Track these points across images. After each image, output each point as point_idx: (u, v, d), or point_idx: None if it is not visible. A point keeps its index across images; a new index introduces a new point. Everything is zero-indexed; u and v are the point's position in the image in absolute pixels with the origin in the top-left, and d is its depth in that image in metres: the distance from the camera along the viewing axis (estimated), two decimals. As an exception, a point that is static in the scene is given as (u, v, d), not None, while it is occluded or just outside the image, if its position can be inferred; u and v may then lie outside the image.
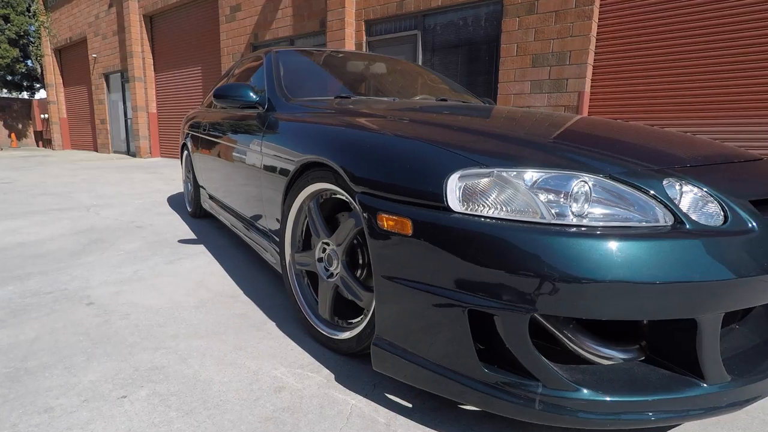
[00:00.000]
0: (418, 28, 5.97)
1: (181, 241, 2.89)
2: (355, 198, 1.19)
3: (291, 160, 1.56)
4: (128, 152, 12.23)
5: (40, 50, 15.23)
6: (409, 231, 1.03)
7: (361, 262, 1.41)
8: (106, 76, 12.42)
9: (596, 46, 4.70)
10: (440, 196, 1.00)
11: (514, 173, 0.98)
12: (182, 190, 5.24)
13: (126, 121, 12.17)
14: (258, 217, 2.06)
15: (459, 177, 1.00)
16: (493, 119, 1.50)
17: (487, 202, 0.97)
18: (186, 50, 10.01)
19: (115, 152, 12.77)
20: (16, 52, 16.70)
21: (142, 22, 10.74)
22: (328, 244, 1.44)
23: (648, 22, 4.43)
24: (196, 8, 9.59)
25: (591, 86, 4.78)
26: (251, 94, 2.04)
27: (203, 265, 2.40)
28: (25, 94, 19.17)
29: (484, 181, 0.99)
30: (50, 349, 1.47)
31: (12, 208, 4.01)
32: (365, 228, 1.14)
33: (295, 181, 1.57)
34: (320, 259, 1.48)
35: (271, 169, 1.76)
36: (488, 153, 1.05)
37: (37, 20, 14.81)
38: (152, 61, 11.00)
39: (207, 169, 2.92)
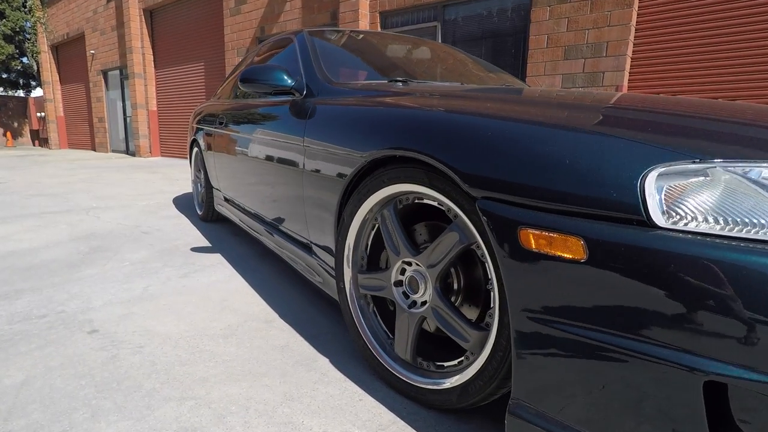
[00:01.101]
0: (438, 20, 5.63)
1: (195, 250, 2.54)
2: (474, 205, 0.85)
3: (352, 156, 1.22)
4: (127, 151, 11.85)
5: (36, 47, 14.82)
6: (582, 254, 0.69)
7: (456, 286, 1.07)
8: (105, 73, 12.04)
9: (635, 37, 4.38)
10: (633, 204, 0.66)
11: (754, 169, 0.64)
12: (188, 191, 4.88)
13: (125, 120, 11.79)
14: (295, 224, 1.71)
15: (659, 176, 0.66)
16: (638, 103, 1.15)
17: (704, 213, 0.63)
18: (188, 45, 9.65)
19: (113, 151, 12.38)
20: (11, 49, 16.28)
21: (142, 17, 10.37)
22: (409, 264, 1.10)
23: (693, 9, 4.11)
24: (198, 1, 9.23)
25: (629, 80, 4.45)
26: (285, 77, 1.71)
27: (224, 280, 2.05)
28: (20, 92, 18.74)
29: (699, 181, 0.66)
30: (43, 401, 1.12)
31: (4, 210, 3.65)
32: (495, 247, 0.80)
33: (359, 182, 1.23)
34: (398, 283, 1.14)
35: (318, 167, 1.41)
36: (692, 143, 0.71)
37: (33, 16, 14.42)
38: (152, 57, 10.64)
39: (223, 169, 2.58)
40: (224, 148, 2.50)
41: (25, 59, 17.43)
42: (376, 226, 1.21)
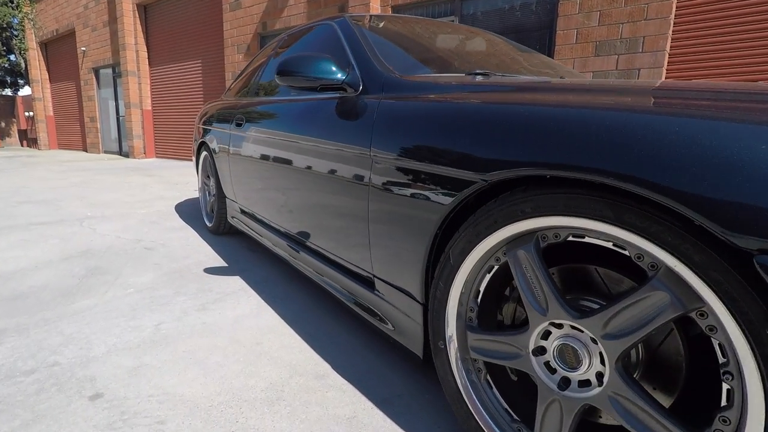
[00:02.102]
0: (455, 14, 5.31)
1: (209, 271, 2.19)
2: (753, 260, 0.52)
3: (460, 175, 0.88)
4: (120, 152, 11.40)
5: (24, 44, 14.28)
6: None
7: (634, 358, 0.75)
8: (96, 71, 11.58)
9: (673, 31, 4.09)
10: None
11: None
12: (190, 197, 4.52)
13: (118, 119, 11.34)
14: (349, 252, 1.38)
15: None
16: None
17: None
18: (184, 42, 9.24)
19: (105, 152, 11.92)
20: (-2, 46, 15.72)
21: (136, 12, 9.94)
22: (558, 326, 0.77)
23: (737, 1, 3.82)
24: (195, -4, 8.84)
25: (666, 77, 4.16)
26: (335, 69, 1.37)
27: (252, 313, 1.71)
28: (8, 91, 18.15)
29: None
30: None
31: (-14, 221, 3.27)
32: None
33: (468, 208, 0.89)
34: (538, 351, 0.80)
35: (396, 186, 1.08)
36: None
37: (20, 11, 13.89)
38: (147, 54, 10.21)
39: (242, 177, 2.23)
40: (244, 154, 2.16)
41: (12, 56, 16.87)
42: (495, 268, 0.88)
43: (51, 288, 1.94)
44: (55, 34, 12.66)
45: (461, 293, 0.92)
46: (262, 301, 1.84)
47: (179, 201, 4.29)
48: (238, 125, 2.23)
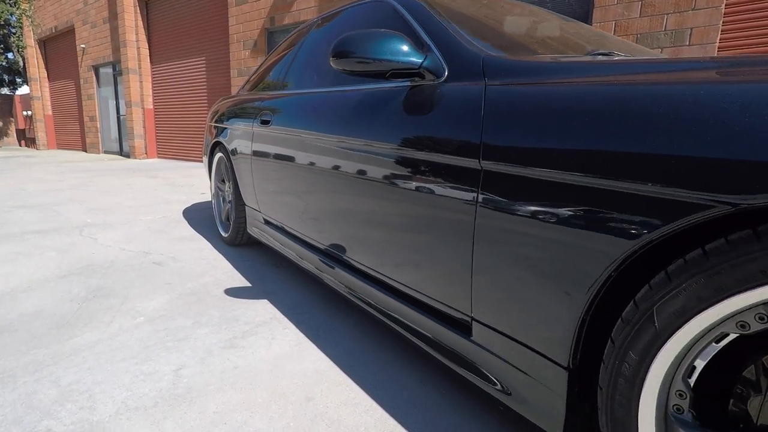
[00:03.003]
0: (479, 6, 4.99)
1: (231, 293, 1.87)
2: None
3: (677, 194, 0.57)
4: (121, 152, 11.07)
5: (22, 41, 13.95)
6: None
7: None
8: (96, 69, 11.25)
9: (724, 22, 3.77)
10: None
11: None
12: (197, 200, 4.20)
13: (118, 119, 11.01)
14: (434, 286, 1.06)
15: None
16: None
17: None
18: (187, 38, 8.92)
19: (105, 152, 11.60)
20: (-5, 44, 15.38)
21: (137, 8, 9.62)
22: None
23: (796, -9, 3.51)
24: (199, -10, 8.52)
25: (714, 73, 3.84)
26: (408, 49, 1.06)
27: (292, 353, 1.39)
28: (5, 90, 17.81)
29: None
30: None
31: (-24, 229, 2.95)
32: None
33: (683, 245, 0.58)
34: None
35: (535, 208, 0.76)
36: None
37: (18, 8, 13.55)
38: (148, 51, 9.88)
39: (268, 183, 1.91)
40: (271, 156, 1.84)
41: (10, 55, 16.54)
42: (729, 337, 0.57)
43: (45, 316, 1.63)
44: (53, 31, 12.33)
45: (666, 371, 0.60)
46: (302, 334, 1.52)
47: (186, 205, 3.97)
48: (264, 123, 1.91)
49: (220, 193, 2.76)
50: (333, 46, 1.13)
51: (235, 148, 2.24)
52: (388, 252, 1.21)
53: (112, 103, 11.17)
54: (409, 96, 1.12)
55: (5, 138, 16.29)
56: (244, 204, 2.31)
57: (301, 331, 1.54)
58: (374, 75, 1.11)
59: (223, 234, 2.64)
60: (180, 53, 9.15)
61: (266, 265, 2.27)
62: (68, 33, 12.00)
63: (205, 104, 8.77)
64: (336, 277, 1.55)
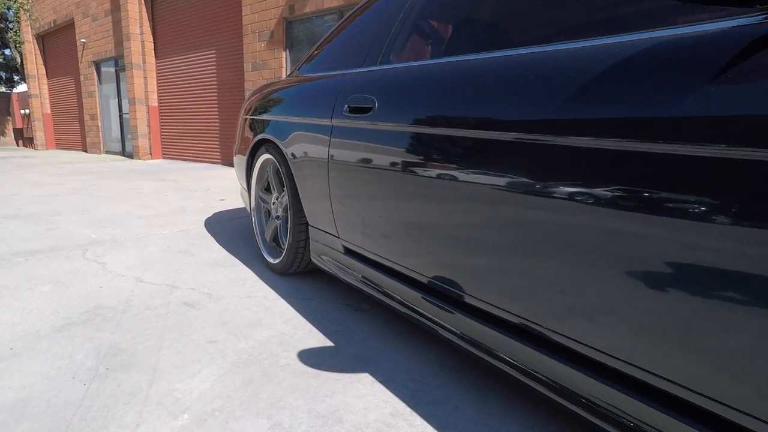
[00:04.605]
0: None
1: (310, 361, 1.27)
2: None
3: None
4: (123, 153, 10.47)
5: (19, 36, 13.34)
6: None
7: None
8: (97, 65, 10.64)
9: None
10: None
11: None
12: (217, 209, 3.59)
13: (121, 117, 10.41)
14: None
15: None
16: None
17: None
18: (196, 30, 8.32)
19: (107, 153, 10.99)
20: (-8, 40, 14.77)
21: (142, -2, 9.02)
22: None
23: None
24: (209, -22, 7.92)
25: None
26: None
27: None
28: (2, 88, 17.20)
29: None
30: None
31: (-48, 250, 2.35)
32: None
33: None
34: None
35: None
36: None
37: (15, 2, 12.94)
38: (153, 45, 9.28)
39: (363, 199, 1.31)
40: (368, 162, 1.24)
41: (7, 51, 15.93)
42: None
43: (32, 414, 1.03)
44: (52, 25, 11.73)
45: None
46: (459, 459, 0.92)
47: (206, 215, 3.37)
48: (355, 111, 1.31)
49: (263, 205, 2.16)
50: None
51: (297, 148, 1.64)
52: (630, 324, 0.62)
53: (114, 101, 10.57)
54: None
55: (2, 137, 15.68)
56: (308, 224, 1.71)
57: (453, 446, 0.95)
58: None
59: (269, 259, 2.03)
60: (187, 46, 8.54)
61: (338, 306, 1.67)
62: (68, 27, 11.39)
63: (215, 101, 8.17)
64: (485, 340, 0.95)
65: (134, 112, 9.26)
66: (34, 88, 12.84)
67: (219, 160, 8.23)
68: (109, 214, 3.34)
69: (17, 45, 14.20)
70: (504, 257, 0.89)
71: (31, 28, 12.51)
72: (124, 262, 2.18)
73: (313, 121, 1.53)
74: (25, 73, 13.00)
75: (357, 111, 1.31)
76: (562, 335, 0.81)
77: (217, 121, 8.19)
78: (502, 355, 0.95)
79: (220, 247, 2.47)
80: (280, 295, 1.77)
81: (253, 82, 7.01)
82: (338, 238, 1.50)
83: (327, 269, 1.65)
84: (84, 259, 2.22)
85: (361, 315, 1.59)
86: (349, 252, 1.48)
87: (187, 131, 8.91)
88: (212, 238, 2.68)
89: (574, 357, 0.81)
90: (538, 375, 0.87)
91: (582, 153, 0.72)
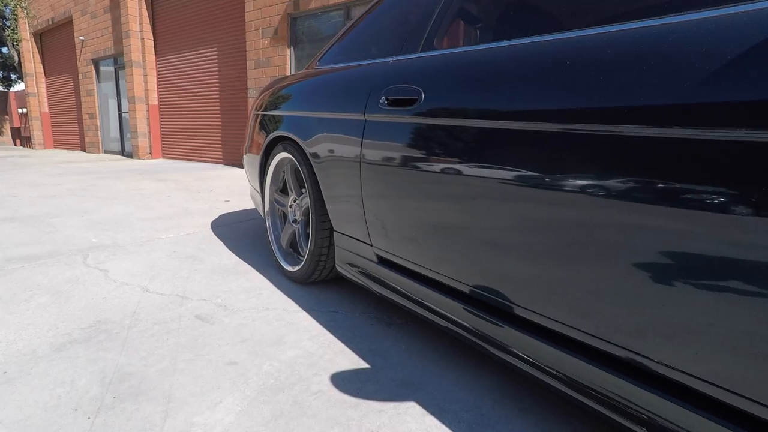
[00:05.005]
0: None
1: (345, 387, 1.12)
2: None
3: None
4: (123, 152, 10.29)
5: (16, 34, 13.15)
6: None
7: None
8: (96, 63, 10.46)
9: None
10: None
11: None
12: (223, 210, 3.44)
13: (120, 116, 10.23)
14: None
15: None
16: None
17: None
18: (197, 27, 8.15)
19: (106, 152, 10.81)
20: (-12, 38, 14.57)
21: (142, -5, 8.84)
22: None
23: None
24: (211, -26, 7.75)
25: None
26: None
27: None
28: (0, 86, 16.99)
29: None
30: None
31: (-58, 256, 2.19)
32: None
33: None
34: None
35: None
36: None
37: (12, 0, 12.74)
38: (153, 42, 9.11)
39: (402, 202, 1.16)
40: (410, 161, 1.09)
41: (4, 49, 15.73)
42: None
43: (28, 456, 0.87)
44: (50, 23, 11.54)
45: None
46: None
47: (212, 217, 3.21)
48: (396, 103, 1.15)
49: (278, 208, 2.01)
50: None
51: (322, 147, 1.48)
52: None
53: (113, 100, 10.39)
54: None
55: (0, 137, 15.47)
56: (333, 229, 1.55)
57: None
58: None
59: (286, 267, 1.87)
60: (189, 43, 8.37)
61: (368, 319, 1.51)
62: (66, 24, 11.21)
63: (217, 99, 8.01)
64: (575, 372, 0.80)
65: (134, 110, 9.09)
66: (32, 86, 12.64)
67: (221, 160, 8.06)
68: (110, 217, 3.17)
69: (15, 43, 14.00)
70: (595, 268, 0.73)
71: (29, 26, 12.31)
72: (128, 269, 2.02)
73: (342, 115, 1.38)
74: (23, 71, 12.80)
75: (397, 104, 1.15)
76: (661, 364, 0.66)
77: (219, 119, 8.02)
78: (580, 383, 0.80)
79: (230, 252, 2.32)
80: (301, 307, 1.61)
81: (256, 79, 6.85)
82: (371, 246, 1.35)
83: (355, 279, 1.49)
84: (85, 265, 2.06)
85: (395, 330, 1.44)
86: (383, 261, 1.33)
87: (188, 130, 8.74)
88: (220, 242, 2.52)
89: (688, 395, 0.66)
90: (636, 412, 0.72)
91: (699, 148, 0.57)
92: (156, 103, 9.33)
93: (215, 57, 7.92)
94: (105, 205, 3.66)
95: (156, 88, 9.30)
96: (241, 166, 7.52)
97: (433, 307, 1.15)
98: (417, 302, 1.21)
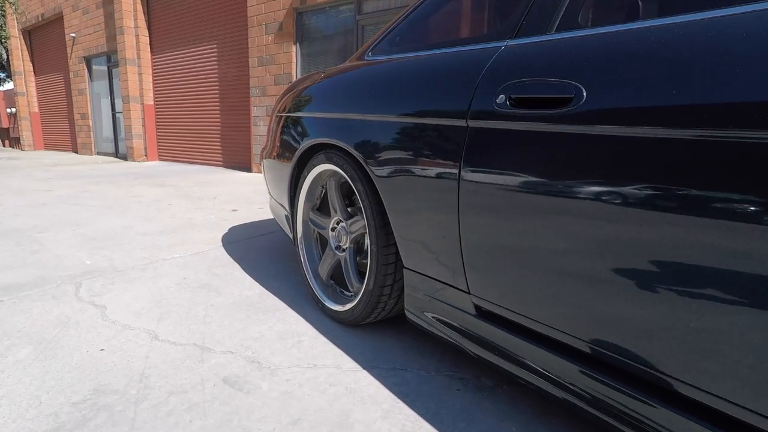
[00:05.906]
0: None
1: None
2: None
3: None
4: (116, 154, 9.86)
5: (5, 31, 12.66)
6: None
7: None
8: (88, 61, 10.01)
9: None
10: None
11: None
12: (232, 222, 3.07)
13: (113, 116, 9.80)
14: None
15: None
16: None
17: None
18: (195, 23, 7.75)
19: (99, 154, 10.36)
20: (-25, 35, 14.03)
21: (136, -11, 8.43)
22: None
23: None
24: (211, -33, 7.36)
25: None
26: None
27: None
28: (-13, 86, 16.44)
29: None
30: None
31: None
32: None
33: None
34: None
35: None
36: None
37: (0, -5, 12.25)
38: (148, 39, 8.69)
39: (544, 241, 0.81)
40: (576, 186, 0.74)
41: (-8, 47, 15.18)
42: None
43: None
44: (40, 19, 11.08)
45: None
46: None
47: (222, 231, 2.84)
48: (526, 104, 0.81)
49: (315, 230, 1.65)
50: None
51: (391, 160, 1.13)
52: None
53: (106, 99, 9.95)
54: None
55: (-13, 138, 14.92)
56: (404, 266, 1.20)
57: None
58: None
59: (330, 306, 1.50)
60: (186, 40, 7.96)
61: (450, 381, 1.16)
62: (56, 21, 10.75)
63: (217, 99, 7.62)
64: None
65: (128, 110, 8.67)
66: (21, 85, 12.15)
67: (220, 163, 7.68)
68: (105, 230, 2.80)
69: (2, 40, 13.49)
70: None
71: (18, 23, 11.83)
72: (129, 304, 1.66)
73: (426, 120, 1.03)
74: (11, 70, 12.31)
75: (529, 104, 0.80)
76: None
77: (219, 120, 7.63)
78: None
79: (251, 279, 1.96)
80: (357, 363, 1.26)
81: (258, 78, 6.48)
82: (468, 293, 1.00)
83: (439, 334, 1.14)
84: (77, 299, 1.69)
85: (491, 400, 1.08)
86: (484, 315, 0.98)
87: (186, 131, 8.34)
88: (236, 264, 2.16)
89: None
90: None
91: None
92: (151, 102, 8.91)
93: (215, 54, 7.53)
94: (100, 215, 3.28)
95: (152, 87, 8.88)
96: (242, 169, 7.14)
97: (567, 382, 0.81)
98: (534, 371, 0.87)
